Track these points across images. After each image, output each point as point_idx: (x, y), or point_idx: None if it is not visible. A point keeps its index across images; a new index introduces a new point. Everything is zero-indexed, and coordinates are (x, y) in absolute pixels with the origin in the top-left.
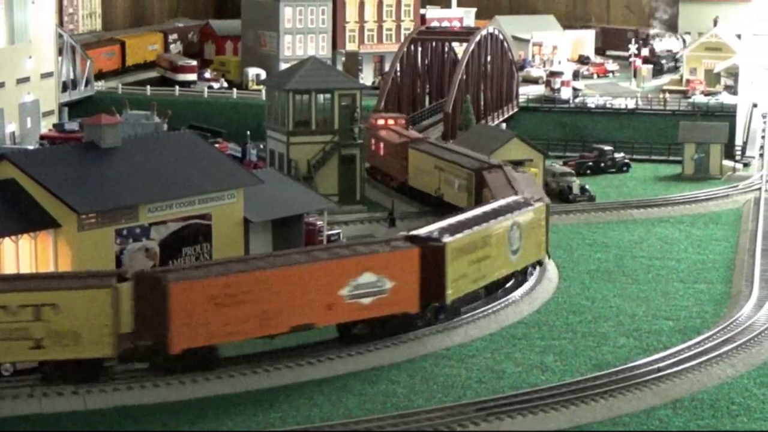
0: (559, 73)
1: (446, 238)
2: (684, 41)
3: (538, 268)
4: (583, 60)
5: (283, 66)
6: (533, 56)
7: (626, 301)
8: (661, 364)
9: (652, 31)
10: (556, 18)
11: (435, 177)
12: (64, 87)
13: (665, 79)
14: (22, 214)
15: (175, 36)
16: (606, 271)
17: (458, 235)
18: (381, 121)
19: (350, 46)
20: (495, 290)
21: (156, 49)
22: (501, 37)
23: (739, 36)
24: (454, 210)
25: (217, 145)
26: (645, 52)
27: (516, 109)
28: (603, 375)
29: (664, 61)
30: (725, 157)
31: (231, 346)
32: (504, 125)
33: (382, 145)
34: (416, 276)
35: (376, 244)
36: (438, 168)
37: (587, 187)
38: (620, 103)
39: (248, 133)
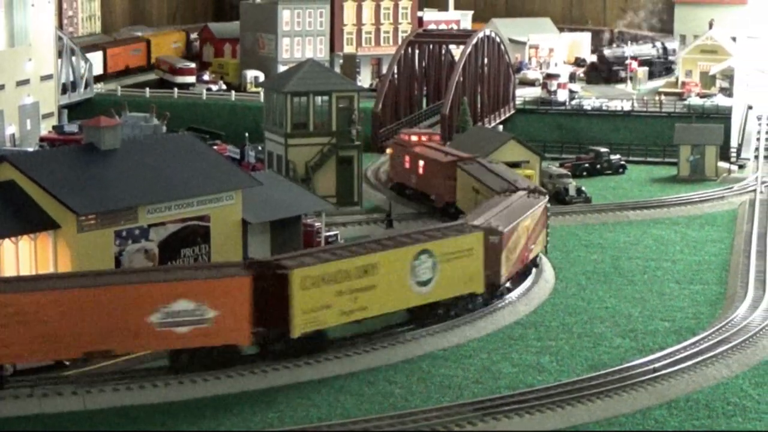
0: (555, 76)
1: (294, 266)
2: (664, 48)
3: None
4: (579, 62)
5: (282, 68)
6: (530, 59)
7: (622, 302)
8: (656, 365)
9: (606, 36)
10: (552, 20)
11: (472, 198)
12: (64, 89)
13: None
14: (21, 216)
15: (195, 35)
16: (602, 272)
17: (317, 264)
18: (415, 138)
19: (348, 49)
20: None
21: (179, 47)
22: (498, 39)
23: (734, 38)
24: (457, 215)
25: (215, 147)
26: (593, 57)
27: (513, 111)
28: (599, 375)
29: (616, 68)
30: (720, 159)
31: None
32: (501, 127)
33: (422, 163)
34: (247, 306)
35: (203, 269)
36: (474, 189)
37: (583, 188)
38: (616, 105)
39: (246, 135)
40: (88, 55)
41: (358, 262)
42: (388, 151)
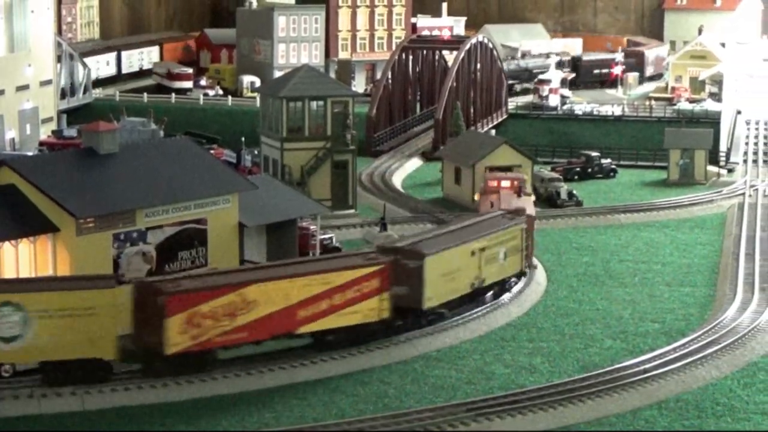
0: (547, 81)
1: None
2: (560, 62)
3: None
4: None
5: (277, 74)
6: None
7: (613, 304)
8: (647, 366)
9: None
10: (544, 26)
11: None
12: (63, 94)
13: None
14: (21, 219)
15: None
16: (593, 275)
17: None
18: (494, 183)
19: (343, 54)
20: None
21: None
22: (490, 45)
23: (723, 44)
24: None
25: (212, 151)
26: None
27: (505, 116)
28: (590, 376)
29: (511, 82)
30: (710, 163)
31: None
32: (493, 132)
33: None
34: None
35: None
36: None
37: (575, 192)
38: (607, 110)
39: (243, 139)
40: (146, 50)
41: None
42: (476, 197)
